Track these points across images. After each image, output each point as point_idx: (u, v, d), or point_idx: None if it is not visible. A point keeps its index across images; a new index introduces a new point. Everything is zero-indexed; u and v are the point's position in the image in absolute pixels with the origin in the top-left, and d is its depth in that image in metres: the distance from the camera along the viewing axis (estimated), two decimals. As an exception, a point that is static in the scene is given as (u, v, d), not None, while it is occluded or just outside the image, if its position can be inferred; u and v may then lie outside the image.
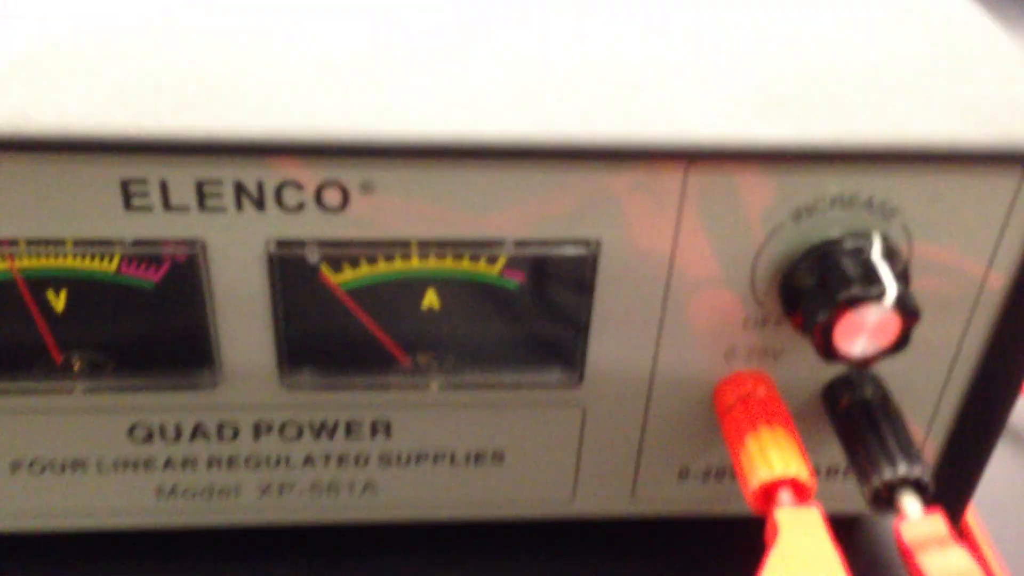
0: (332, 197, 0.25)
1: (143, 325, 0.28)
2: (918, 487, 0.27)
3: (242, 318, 0.27)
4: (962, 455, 0.31)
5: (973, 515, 0.36)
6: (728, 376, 0.30)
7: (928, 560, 0.24)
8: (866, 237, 0.27)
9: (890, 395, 0.29)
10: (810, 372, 0.30)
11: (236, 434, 0.30)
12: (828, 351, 0.27)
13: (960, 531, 0.35)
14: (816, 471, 0.32)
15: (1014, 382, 0.30)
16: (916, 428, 0.31)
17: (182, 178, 0.25)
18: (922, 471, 0.27)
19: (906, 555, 0.25)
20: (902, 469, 0.27)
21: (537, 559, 0.34)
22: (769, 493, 0.27)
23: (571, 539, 0.35)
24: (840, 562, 0.25)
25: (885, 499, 0.27)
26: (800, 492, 0.27)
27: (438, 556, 0.34)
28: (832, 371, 0.30)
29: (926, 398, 0.30)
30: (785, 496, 0.27)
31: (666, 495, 0.32)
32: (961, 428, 0.31)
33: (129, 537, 0.33)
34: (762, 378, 0.30)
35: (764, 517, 0.27)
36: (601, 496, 0.32)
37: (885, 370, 0.30)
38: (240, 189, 0.25)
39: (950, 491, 0.32)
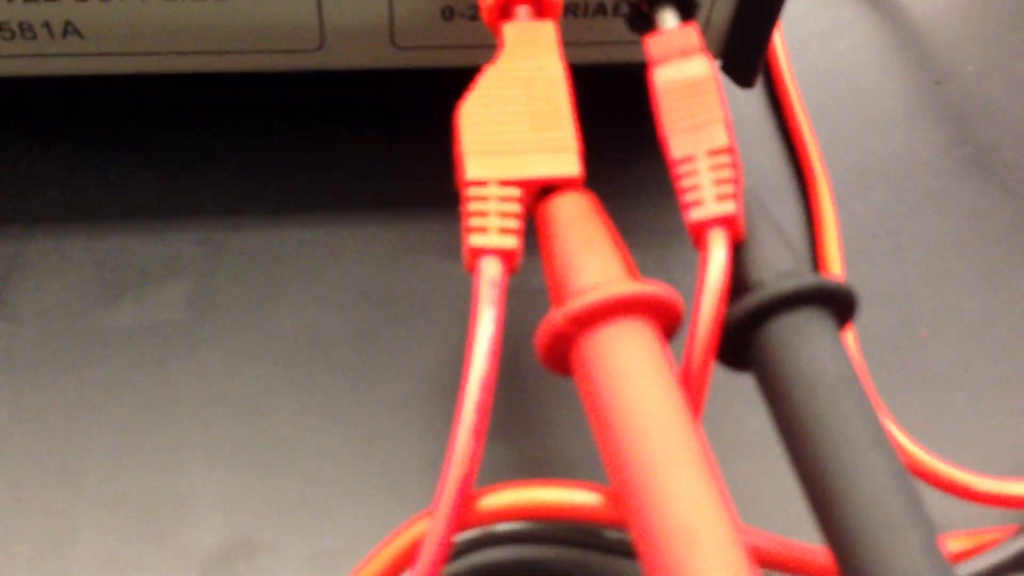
0: None
1: None
2: (681, 1, 0.23)
3: None
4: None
5: (786, 68, 0.32)
6: None
7: (661, 71, 0.21)
8: None
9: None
10: None
11: None
12: None
13: (769, 75, 0.32)
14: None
15: None
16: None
17: None
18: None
19: (647, 71, 0.21)
20: (662, -26, 0.22)
21: (290, 118, 0.31)
22: (507, 9, 0.23)
23: (330, 96, 0.31)
24: (564, 79, 0.21)
25: (644, 15, 0.23)
26: (542, 8, 0.23)
27: (184, 115, 0.31)
28: None
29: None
30: (522, 12, 0.22)
31: (430, 39, 0.28)
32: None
33: None
34: None
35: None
36: (354, 44, 0.28)
37: None
38: None
39: (750, 34, 0.27)
